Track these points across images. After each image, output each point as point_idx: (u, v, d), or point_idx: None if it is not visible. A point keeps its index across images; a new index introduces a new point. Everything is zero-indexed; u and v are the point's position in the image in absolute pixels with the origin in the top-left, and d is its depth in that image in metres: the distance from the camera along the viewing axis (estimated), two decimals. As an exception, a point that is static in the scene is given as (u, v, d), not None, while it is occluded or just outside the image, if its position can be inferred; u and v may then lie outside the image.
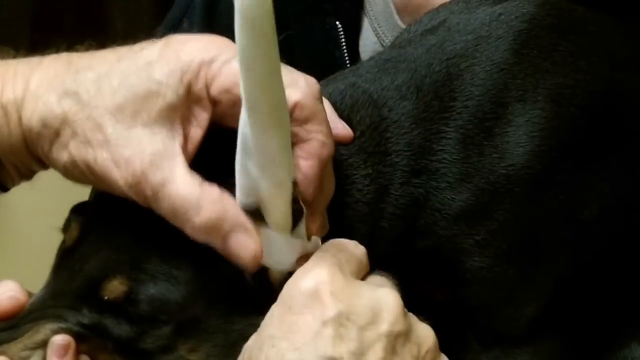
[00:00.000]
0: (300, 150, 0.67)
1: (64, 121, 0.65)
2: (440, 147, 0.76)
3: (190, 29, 1.12)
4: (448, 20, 0.81)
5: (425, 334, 0.62)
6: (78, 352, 0.69)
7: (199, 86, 0.65)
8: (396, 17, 1.01)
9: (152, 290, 0.67)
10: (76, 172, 0.66)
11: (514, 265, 0.78)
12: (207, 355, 0.72)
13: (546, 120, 0.77)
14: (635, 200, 0.82)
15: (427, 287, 0.82)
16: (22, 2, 2.01)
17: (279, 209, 0.65)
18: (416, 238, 0.78)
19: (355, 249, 0.66)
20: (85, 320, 0.69)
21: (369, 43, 1.03)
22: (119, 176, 0.64)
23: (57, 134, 0.66)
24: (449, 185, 0.76)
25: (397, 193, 0.76)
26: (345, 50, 1.02)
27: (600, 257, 0.82)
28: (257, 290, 0.67)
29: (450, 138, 0.76)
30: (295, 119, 0.66)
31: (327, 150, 0.67)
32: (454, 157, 0.76)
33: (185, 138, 0.66)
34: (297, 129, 0.67)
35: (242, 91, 0.61)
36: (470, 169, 0.76)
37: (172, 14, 1.17)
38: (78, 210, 0.73)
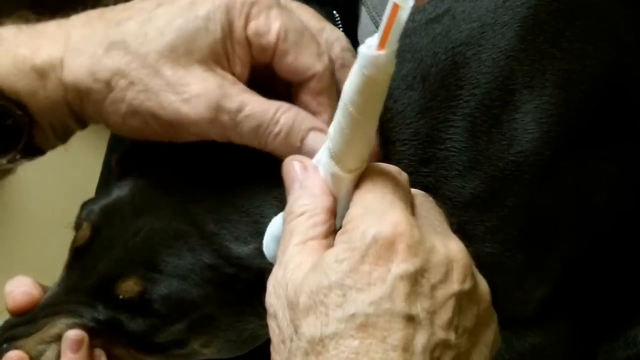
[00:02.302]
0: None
1: (117, 72, 0.65)
2: (448, 136, 0.76)
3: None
4: (453, 8, 0.81)
5: (484, 291, 0.60)
6: (92, 346, 0.70)
7: (239, 24, 0.66)
8: None
9: (166, 290, 0.68)
10: (136, 122, 0.66)
11: (523, 250, 0.79)
12: (219, 350, 0.73)
13: (554, 107, 0.77)
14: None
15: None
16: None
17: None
18: (427, 226, 0.78)
19: (404, 178, 0.63)
20: (100, 316, 0.70)
21: (367, 32, 1.02)
22: (194, 114, 0.65)
23: (110, 86, 0.65)
24: (458, 173, 0.76)
25: None
26: None
27: (609, 239, 0.83)
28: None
29: (458, 126, 0.76)
30: (311, 89, 0.68)
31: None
32: (463, 145, 0.76)
33: (234, 74, 0.67)
34: (308, 100, 0.68)
35: (336, 125, 0.59)
36: (479, 156, 0.76)
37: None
38: (88, 206, 0.73)
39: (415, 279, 0.55)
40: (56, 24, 0.69)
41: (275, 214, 0.65)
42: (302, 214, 0.60)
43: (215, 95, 0.65)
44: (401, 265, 0.55)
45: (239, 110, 0.65)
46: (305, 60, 0.68)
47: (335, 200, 0.60)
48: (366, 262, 0.55)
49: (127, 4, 0.69)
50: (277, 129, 0.66)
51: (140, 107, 0.65)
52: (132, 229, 0.67)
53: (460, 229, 0.77)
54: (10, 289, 0.71)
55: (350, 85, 0.57)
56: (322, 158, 0.61)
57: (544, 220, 0.79)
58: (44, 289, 0.72)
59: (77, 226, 0.72)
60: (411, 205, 0.62)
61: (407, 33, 0.82)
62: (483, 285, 0.60)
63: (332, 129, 0.59)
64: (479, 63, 0.78)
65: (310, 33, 0.69)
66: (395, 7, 0.54)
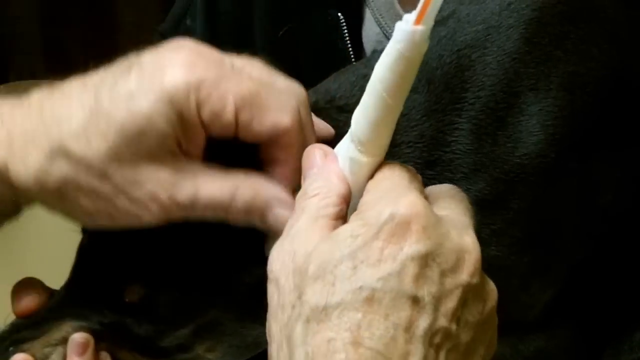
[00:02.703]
0: (276, 173, 0.66)
1: (65, 181, 0.63)
2: (453, 138, 0.76)
3: (192, 25, 1.12)
4: (457, 11, 0.80)
5: (492, 291, 0.60)
6: (97, 350, 0.69)
7: (190, 111, 0.62)
8: (398, 6, 1.01)
9: (171, 295, 0.68)
10: (95, 221, 0.65)
11: (529, 253, 0.78)
12: (223, 355, 0.73)
13: (559, 109, 0.77)
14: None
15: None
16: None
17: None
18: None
19: (419, 177, 0.63)
20: (106, 320, 0.70)
21: (371, 34, 1.02)
22: (148, 214, 0.63)
23: (61, 194, 0.63)
24: (463, 175, 0.76)
25: None
26: (348, 42, 1.02)
27: (614, 241, 0.83)
28: None
29: (463, 129, 0.76)
30: (281, 144, 0.65)
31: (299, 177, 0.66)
32: (468, 147, 0.76)
33: (187, 154, 0.64)
34: (279, 155, 0.66)
35: (365, 106, 0.60)
36: (484, 158, 0.76)
37: (175, 11, 1.17)
38: None
39: (425, 261, 0.55)
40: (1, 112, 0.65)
41: None
42: (315, 195, 0.60)
43: (166, 190, 0.62)
44: (414, 245, 0.55)
45: (193, 198, 0.63)
46: (272, 119, 0.64)
47: (350, 189, 0.61)
48: (379, 239, 0.55)
49: (64, 93, 0.64)
50: (236, 208, 0.64)
51: (96, 211, 0.63)
52: (139, 232, 0.67)
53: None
54: (16, 291, 0.71)
55: (382, 64, 0.58)
56: (341, 149, 0.61)
57: (549, 223, 0.78)
58: (51, 291, 0.72)
59: (85, 229, 0.72)
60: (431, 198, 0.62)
61: None
62: (491, 286, 0.60)
63: (357, 112, 0.60)
64: (483, 65, 0.77)
65: (267, 87, 0.65)
66: None
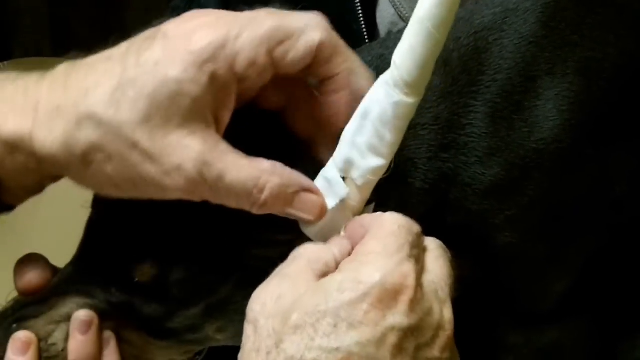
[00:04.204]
0: (329, 85, 0.66)
1: (93, 147, 0.62)
2: (468, 121, 0.75)
3: (205, 2, 1.11)
4: (475, -7, 0.80)
5: None
6: (102, 329, 0.68)
7: (222, 70, 0.62)
8: None
9: (182, 274, 0.67)
10: (118, 191, 0.64)
11: (544, 241, 0.78)
12: (234, 335, 0.72)
13: (575, 94, 0.76)
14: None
15: (456, 264, 0.82)
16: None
17: (368, 186, 0.64)
18: (446, 214, 0.77)
19: (416, 227, 0.63)
20: (113, 299, 0.69)
21: (386, 15, 1.02)
22: (173, 185, 0.62)
23: (87, 161, 0.62)
24: (478, 159, 0.75)
25: (425, 168, 0.75)
26: (362, 23, 1.01)
27: (629, 233, 0.82)
28: None
29: (478, 112, 0.75)
30: (319, 60, 0.65)
31: (356, 79, 0.66)
32: (483, 131, 0.75)
33: (217, 122, 0.63)
34: (322, 70, 0.65)
35: (407, 46, 0.61)
36: (499, 143, 0.75)
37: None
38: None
39: (405, 334, 0.56)
40: (23, 91, 0.65)
41: None
42: (313, 246, 0.62)
43: (197, 164, 0.62)
44: (398, 316, 0.56)
45: (219, 178, 0.62)
46: (303, 41, 0.64)
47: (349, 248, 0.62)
48: (366, 301, 0.55)
49: (90, 65, 0.64)
50: (261, 198, 0.63)
51: (121, 179, 0.63)
52: (151, 208, 0.66)
53: (479, 218, 0.77)
54: (19, 267, 0.70)
55: (426, 2, 0.60)
56: (377, 99, 0.63)
57: (565, 211, 0.78)
58: (55, 269, 0.71)
59: (95, 203, 0.70)
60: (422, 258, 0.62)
61: None
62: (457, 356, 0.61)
63: (401, 55, 0.61)
64: (500, 48, 0.77)
65: (287, 18, 0.65)
66: None
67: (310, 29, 0.64)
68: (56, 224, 0.95)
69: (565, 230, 0.78)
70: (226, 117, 0.64)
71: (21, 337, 0.67)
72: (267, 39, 0.63)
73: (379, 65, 0.76)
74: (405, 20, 0.95)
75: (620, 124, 0.79)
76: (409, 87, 0.61)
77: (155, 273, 0.68)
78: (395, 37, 0.81)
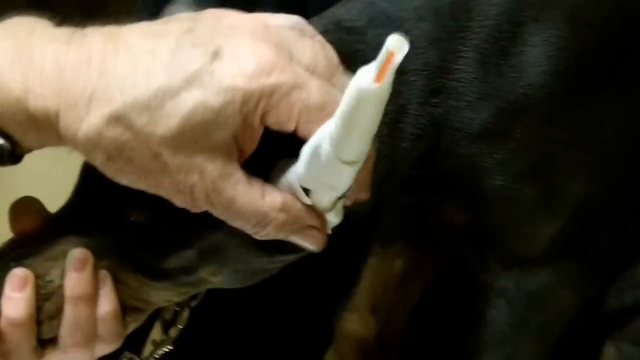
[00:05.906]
0: None
1: (117, 147, 0.62)
2: (457, 67, 0.76)
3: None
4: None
5: None
6: (97, 268, 0.69)
7: (256, 117, 0.62)
8: None
9: (178, 217, 0.67)
10: (130, 183, 0.64)
11: (533, 184, 0.78)
12: (228, 279, 0.73)
13: (563, 40, 0.77)
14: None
15: (448, 210, 0.82)
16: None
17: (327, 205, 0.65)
18: (437, 159, 0.78)
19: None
20: (109, 239, 0.69)
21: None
22: (184, 201, 0.64)
23: (109, 156, 0.62)
24: (467, 104, 0.76)
25: (416, 113, 0.75)
26: None
27: (618, 183, 0.83)
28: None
29: (467, 57, 0.76)
30: None
31: None
32: (472, 76, 0.76)
33: (239, 153, 0.64)
34: None
35: (336, 123, 0.60)
36: (488, 88, 0.76)
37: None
38: None
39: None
40: (54, 61, 0.62)
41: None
42: None
43: (208, 189, 0.62)
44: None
45: (229, 203, 0.63)
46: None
47: None
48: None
49: (129, 50, 0.62)
50: (263, 232, 0.65)
51: (135, 177, 0.63)
52: None
53: (469, 162, 0.77)
54: (14, 210, 0.70)
55: (347, 104, 0.58)
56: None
57: (553, 155, 0.78)
58: (49, 214, 0.71)
59: None
60: None
61: None
62: None
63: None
64: None
65: (332, 103, 0.62)
66: (390, 54, 0.56)
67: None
68: (48, 171, 0.94)
69: (554, 175, 0.79)
70: (249, 150, 0.64)
71: (19, 273, 0.67)
72: (305, 115, 0.62)
73: (370, 12, 0.76)
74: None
75: (608, 73, 0.80)
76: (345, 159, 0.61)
77: (149, 215, 0.68)
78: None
